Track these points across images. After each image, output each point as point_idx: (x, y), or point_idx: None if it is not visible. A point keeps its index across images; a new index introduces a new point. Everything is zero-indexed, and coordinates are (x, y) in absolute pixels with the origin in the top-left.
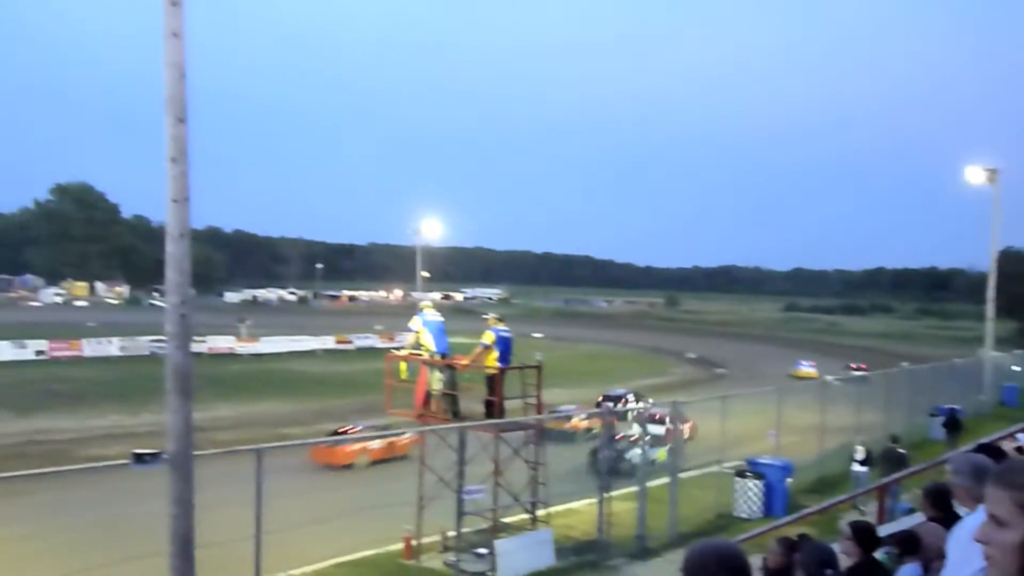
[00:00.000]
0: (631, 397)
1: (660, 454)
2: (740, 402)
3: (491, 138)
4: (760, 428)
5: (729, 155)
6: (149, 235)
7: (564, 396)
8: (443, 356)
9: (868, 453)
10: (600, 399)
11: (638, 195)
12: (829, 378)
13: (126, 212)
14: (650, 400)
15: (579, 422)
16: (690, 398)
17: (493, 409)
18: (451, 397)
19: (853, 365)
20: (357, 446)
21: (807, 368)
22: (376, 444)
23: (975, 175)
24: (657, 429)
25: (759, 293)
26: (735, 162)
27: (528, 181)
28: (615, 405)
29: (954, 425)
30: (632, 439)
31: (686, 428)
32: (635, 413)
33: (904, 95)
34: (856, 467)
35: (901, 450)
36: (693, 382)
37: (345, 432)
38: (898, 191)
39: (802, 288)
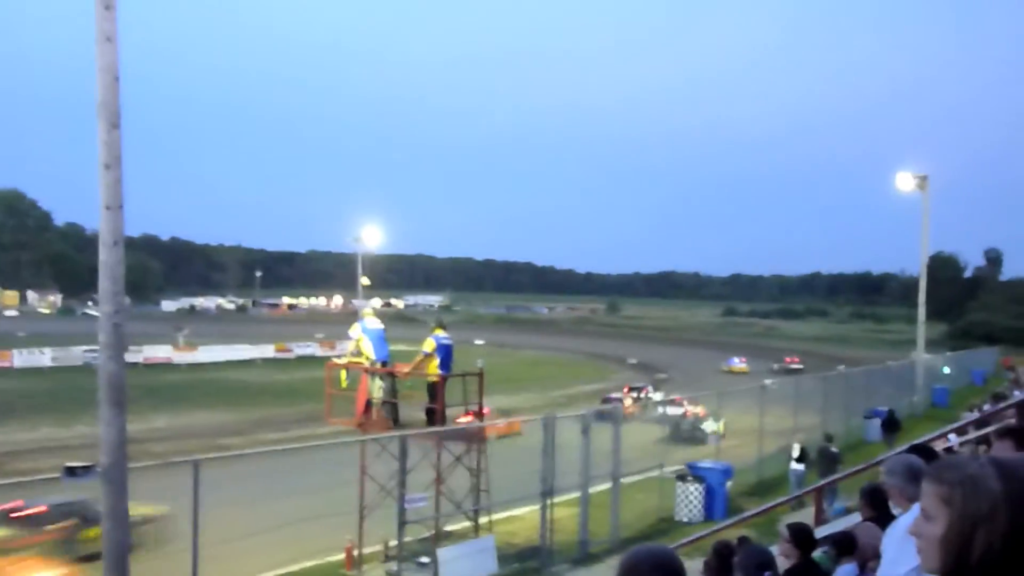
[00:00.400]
0: (651, 388)
1: (720, 426)
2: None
3: (433, 145)
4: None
5: (670, 164)
6: (82, 243)
7: (506, 403)
8: (384, 364)
9: (803, 451)
10: (626, 389)
11: (579, 202)
12: (768, 382)
13: (59, 219)
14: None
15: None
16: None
17: (434, 416)
18: (392, 405)
19: (788, 359)
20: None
21: (738, 364)
22: (500, 423)
23: (906, 182)
24: (676, 410)
25: (698, 298)
26: (676, 171)
27: (470, 188)
28: (638, 395)
29: (892, 425)
30: (702, 414)
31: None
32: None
33: (841, 107)
34: (793, 464)
35: (834, 449)
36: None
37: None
38: (833, 199)
39: (740, 293)
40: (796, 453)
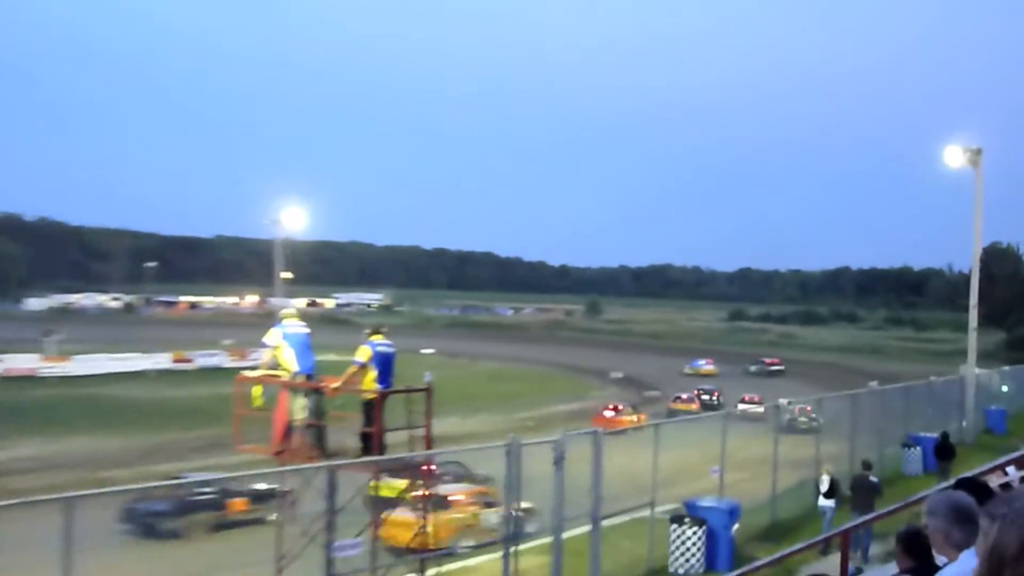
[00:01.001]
0: (718, 391)
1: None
2: (677, 431)
3: (372, 114)
4: (701, 463)
5: (665, 137)
6: None
7: (461, 427)
8: (308, 377)
9: (834, 483)
10: (696, 392)
11: (553, 180)
12: (783, 401)
13: None
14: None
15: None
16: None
17: (371, 443)
18: (318, 429)
19: (767, 360)
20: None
21: (705, 366)
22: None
23: (954, 156)
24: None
25: (698, 298)
26: (672, 145)
27: (416, 165)
28: (710, 398)
29: (946, 452)
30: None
31: None
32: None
33: (872, 68)
34: (822, 500)
35: (874, 478)
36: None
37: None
38: (866, 179)
39: (750, 292)
40: (825, 486)
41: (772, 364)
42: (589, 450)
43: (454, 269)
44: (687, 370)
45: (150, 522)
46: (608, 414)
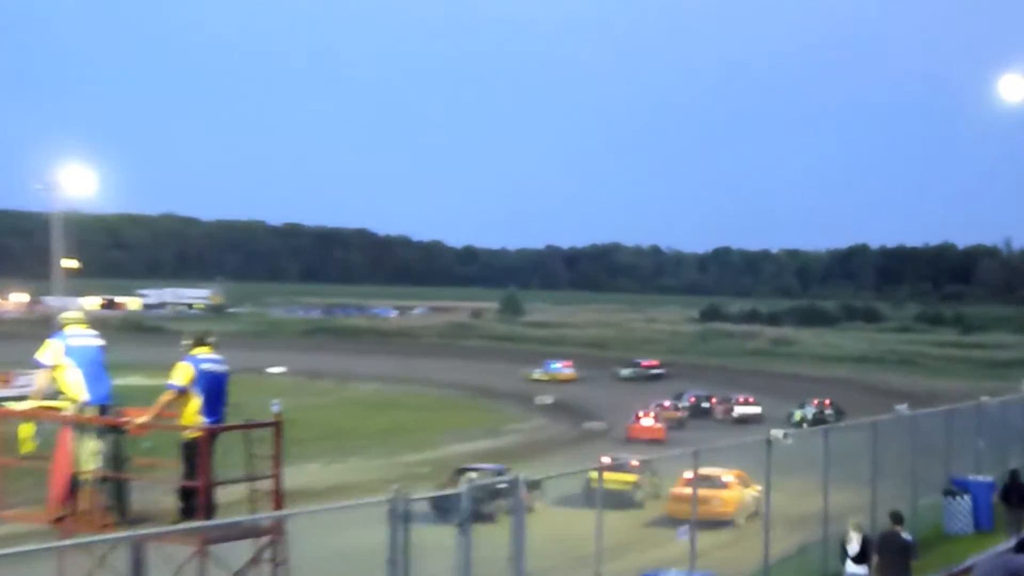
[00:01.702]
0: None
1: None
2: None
3: (198, 57)
4: (666, 522)
5: (607, 79)
6: None
7: (326, 476)
8: (102, 410)
9: (867, 542)
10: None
11: (450, 136)
12: (777, 432)
13: None
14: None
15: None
16: (541, 469)
17: (194, 501)
18: (117, 483)
19: (644, 362)
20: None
21: (563, 370)
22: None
23: (1013, 89)
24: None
25: (658, 290)
26: (616, 91)
27: (258, 121)
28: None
29: (1017, 496)
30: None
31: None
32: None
33: None
34: (851, 567)
35: (906, 535)
36: (547, 445)
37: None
38: (888, 127)
39: (729, 282)
40: (855, 547)
41: (651, 367)
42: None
43: (312, 253)
44: (538, 374)
45: None
46: (646, 422)
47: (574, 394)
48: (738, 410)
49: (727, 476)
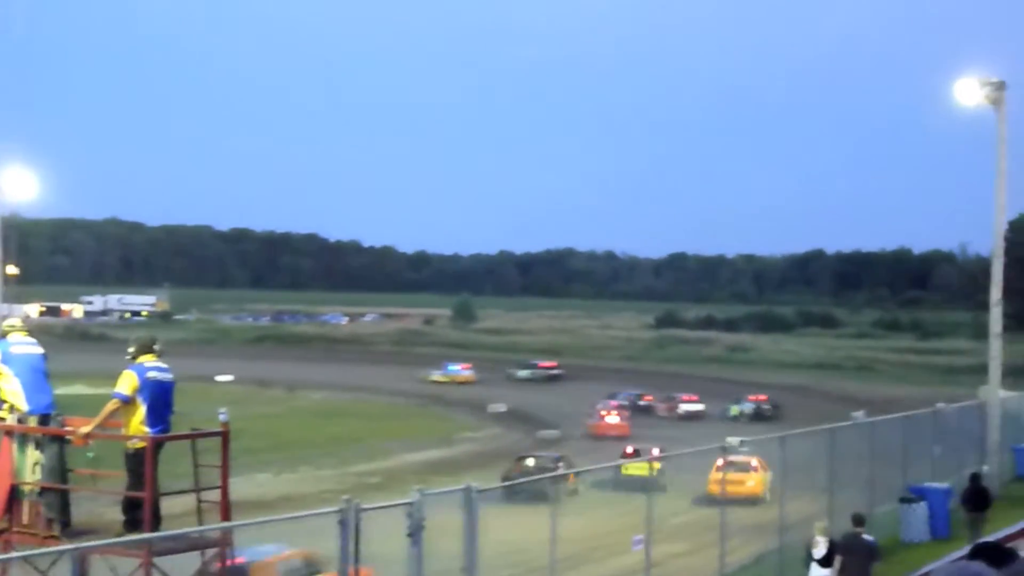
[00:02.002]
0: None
1: None
2: (583, 487)
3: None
4: (620, 531)
5: (563, 88)
6: None
7: (275, 486)
8: (44, 420)
9: (833, 546)
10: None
11: (403, 147)
12: (733, 440)
13: None
14: None
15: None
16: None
17: (139, 513)
18: (60, 495)
19: (541, 363)
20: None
21: (461, 372)
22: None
23: (969, 92)
24: None
25: (614, 296)
26: (571, 99)
27: (204, 123)
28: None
29: (979, 498)
30: None
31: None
32: None
33: None
34: (816, 571)
35: (868, 537)
36: (499, 454)
37: None
38: (845, 129)
39: (686, 287)
40: (821, 551)
41: (548, 367)
42: (459, 516)
43: (261, 259)
44: (437, 376)
45: None
46: (611, 419)
47: (529, 401)
48: (683, 407)
49: (754, 461)
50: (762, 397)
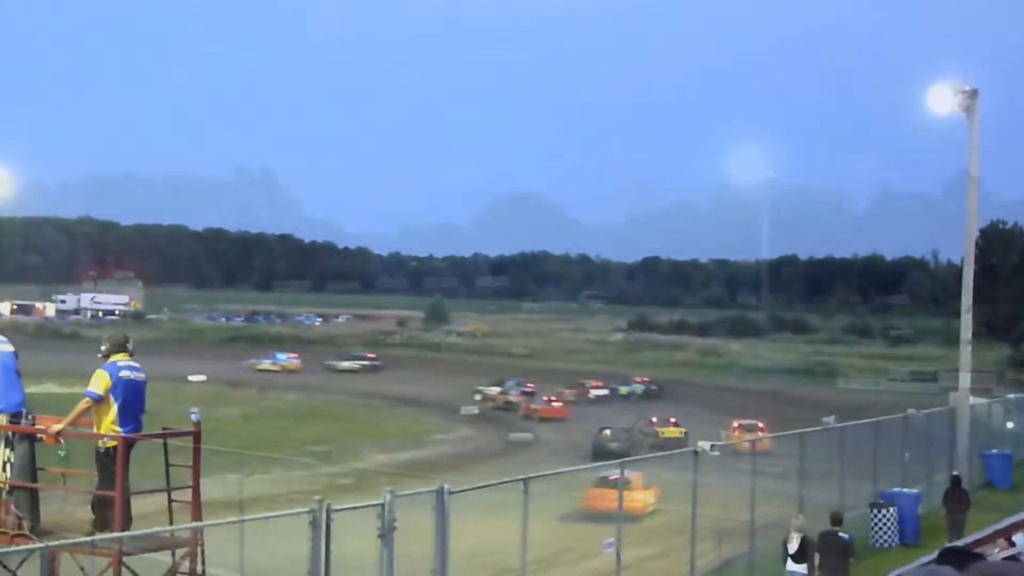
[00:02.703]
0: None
1: None
2: (554, 489)
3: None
4: (590, 534)
5: (533, 88)
6: None
7: (246, 487)
8: (14, 419)
9: (805, 542)
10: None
11: (378, 148)
12: (705, 444)
13: None
14: None
15: None
16: (466, 480)
17: (110, 512)
18: (29, 493)
19: (368, 355)
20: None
21: (289, 361)
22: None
23: (942, 100)
24: None
25: (587, 299)
26: (541, 99)
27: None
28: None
29: (958, 498)
30: None
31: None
32: None
33: None
34: (791, 565)
35: (845, 535)
36: (475, 456)
37: None
38: (819, 133)
39: (658, 291)
40: (794, 545)
41: (368, 359)
42: (431, 518)
43: (233, 258)
44: (268, 364)
45: None
46: (556, 404)
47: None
48: (593, 392)
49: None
50: (646, 379)
